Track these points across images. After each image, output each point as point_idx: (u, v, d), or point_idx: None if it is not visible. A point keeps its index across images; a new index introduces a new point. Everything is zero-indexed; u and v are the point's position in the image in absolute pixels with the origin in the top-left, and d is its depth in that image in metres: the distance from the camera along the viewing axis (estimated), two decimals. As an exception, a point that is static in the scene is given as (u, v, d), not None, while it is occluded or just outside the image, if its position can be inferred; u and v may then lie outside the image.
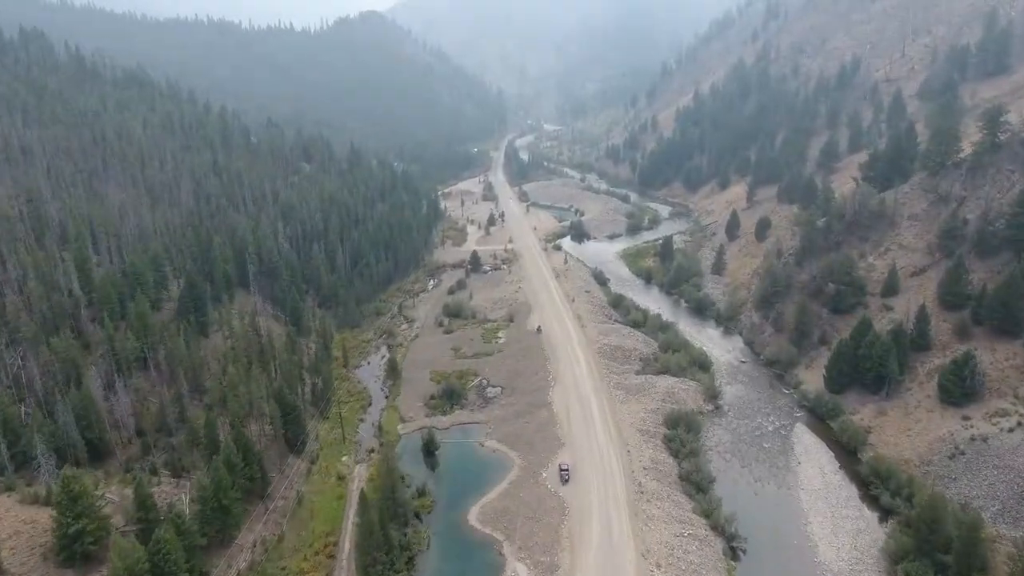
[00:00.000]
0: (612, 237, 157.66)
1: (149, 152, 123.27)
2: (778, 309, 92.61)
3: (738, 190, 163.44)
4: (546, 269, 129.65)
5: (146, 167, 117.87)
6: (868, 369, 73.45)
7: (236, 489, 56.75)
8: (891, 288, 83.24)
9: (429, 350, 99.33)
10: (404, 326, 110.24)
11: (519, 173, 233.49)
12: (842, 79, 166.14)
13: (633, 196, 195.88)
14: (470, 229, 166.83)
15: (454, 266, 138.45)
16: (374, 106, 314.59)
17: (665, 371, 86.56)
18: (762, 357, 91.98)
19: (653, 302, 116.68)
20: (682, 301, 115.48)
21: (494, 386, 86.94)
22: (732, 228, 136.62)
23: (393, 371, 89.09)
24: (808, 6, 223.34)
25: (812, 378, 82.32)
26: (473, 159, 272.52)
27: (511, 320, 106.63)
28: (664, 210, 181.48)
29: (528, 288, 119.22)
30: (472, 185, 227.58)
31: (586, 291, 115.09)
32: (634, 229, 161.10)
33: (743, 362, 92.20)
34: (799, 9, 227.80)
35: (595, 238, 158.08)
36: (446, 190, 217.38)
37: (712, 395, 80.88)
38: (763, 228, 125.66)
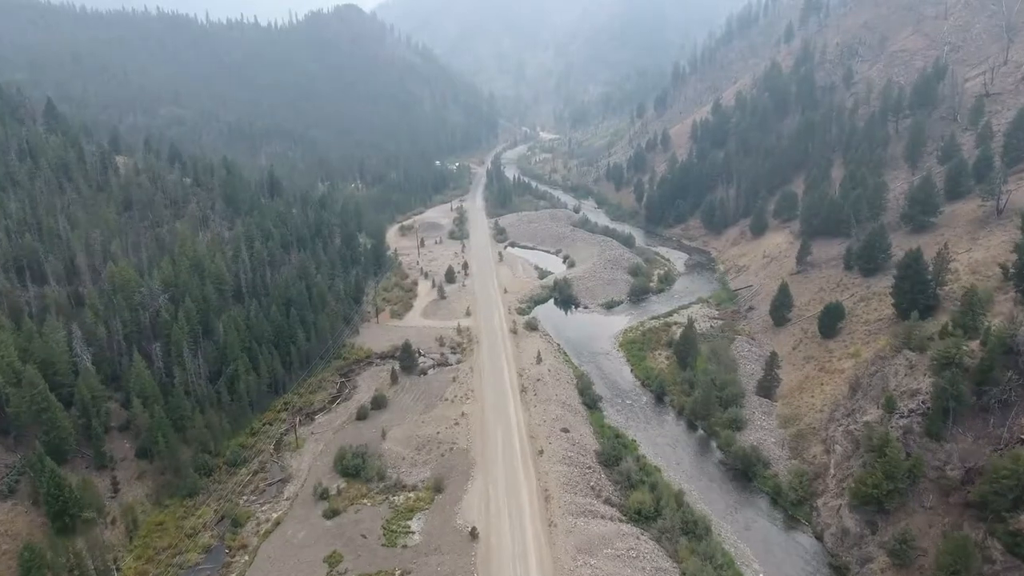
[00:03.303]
0: (610, 306, 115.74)
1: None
2: (903, 526, 51.13)
3: (779, 239, 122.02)
4: (510, 372, 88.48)
5: None
6: None
7: None
8: None
9: (288, 558, 58.25)
10: (271, 488, 69.29)
11: (500, 199, 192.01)
12: (921, 92, 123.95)
13: (638, 236, 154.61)
14: (421, 288, 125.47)
15: (382, 357, 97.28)
16: (344, 113, 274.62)
17: (696, 666, 45.33)
18: (869, 610, 50.84)
19: (667, 442, 75.46)
20: (713, 445, 74.12)
21: None
22: (781, 308, 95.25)
23: (183, 654, 47.85)
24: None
25: None
26: (450, 178, 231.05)
27: (437, 490, 65.38)
28: (679, 259, 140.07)
29: (477, 415, 78.04)
30: (442, 215, 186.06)
31: (564, 429, 73.68)
32: (640, 292, 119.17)
33: (836, 623, 51.00)
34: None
35: (587, 307, 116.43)
36: (407, 222, 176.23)
37: None
38: (832, 318, 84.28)
